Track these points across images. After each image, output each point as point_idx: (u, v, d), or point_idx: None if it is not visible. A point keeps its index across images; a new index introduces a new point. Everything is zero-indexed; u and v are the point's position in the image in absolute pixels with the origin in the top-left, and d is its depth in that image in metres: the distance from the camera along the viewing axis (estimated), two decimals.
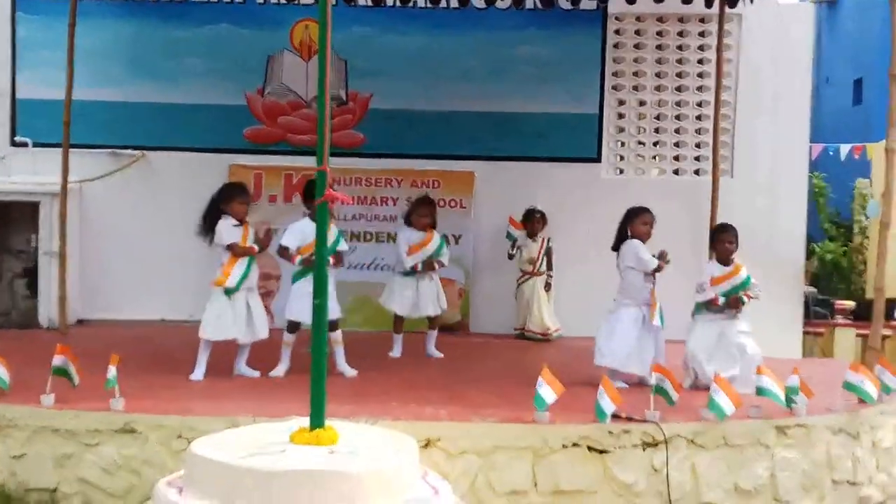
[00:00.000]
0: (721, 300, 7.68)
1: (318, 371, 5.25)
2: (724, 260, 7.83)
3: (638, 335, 7.75)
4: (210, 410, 6.41)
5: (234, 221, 7.63)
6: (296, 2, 10.36)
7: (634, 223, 7.88)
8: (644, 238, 7.84)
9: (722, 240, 7.91)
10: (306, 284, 7.58)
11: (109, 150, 10.70)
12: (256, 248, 7.67)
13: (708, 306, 7.74)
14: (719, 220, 9.31)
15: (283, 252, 7.82)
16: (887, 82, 7.66)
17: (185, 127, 10.71)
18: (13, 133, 10.70)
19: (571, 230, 10.48)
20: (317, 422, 5.19)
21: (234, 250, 7.57)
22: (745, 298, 7.69)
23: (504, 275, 10.51)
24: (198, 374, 7.56)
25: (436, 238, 9.02)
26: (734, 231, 7.98)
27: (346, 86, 10.83)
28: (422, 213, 9.02)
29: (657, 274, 7.77)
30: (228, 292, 7.57)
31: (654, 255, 7.77)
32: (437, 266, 8.98)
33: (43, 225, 10.12)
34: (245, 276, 7.61)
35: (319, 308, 5.34)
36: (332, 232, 7.70)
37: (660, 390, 6.57)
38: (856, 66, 22.60)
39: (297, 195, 10.27)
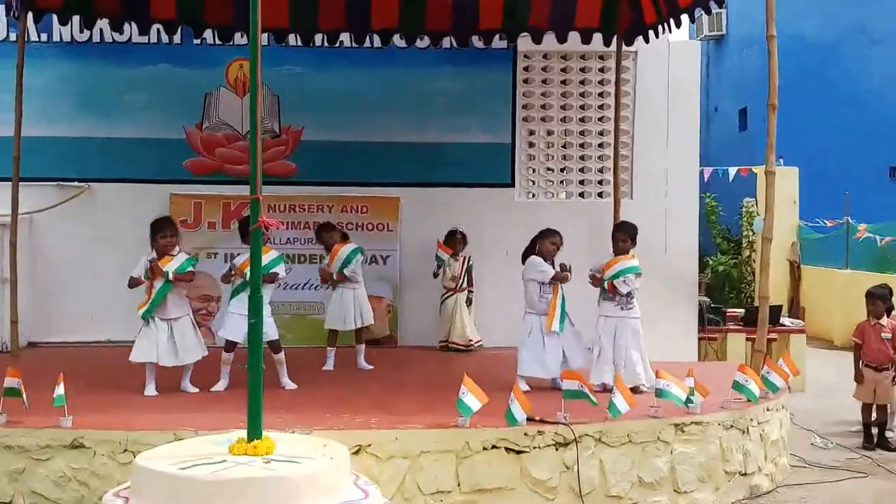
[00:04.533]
0: (590, 270, 7.86)
1: (255, 385, 5.21)
2: (622, 255, 7.95)
3: (539, 341, 7.80)
4: (154, 425, 6.32)
5: (153, 255, 7.53)
6: (230, 42, 10.29)
7: (544, 241, 7.95)
8: (548, 256, 7.90)
9: (615, 238, 8.06)
10: (238, 305, 7.57)
11: (56, 183, 10.51)
12: (143, 279, 7.48)
13: (604, 296, 7.86)
14: None
15: (229, 270, 7.83)
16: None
17: (128, 160, 10.56)
18: None
19: (489, 249, 10.54)
20: (254, 433, 5.15)
21: (129, 283, 7.53)
22: (606, 285, 7.79)
23: (429, 291, 10.52)
24: (149, 390, 7.51)
25: (342, 251, 9.03)
26: (626, 228, 8.12)
27: (279, 119, 10.78)
28: (325, 238, 9.18)
29: (562, 283, 7.83)
30: (145, 319, 7.50)
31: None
32: (340, 278, 8.96)
33: None
34: (152, 308, 7.48)
35: (255, 327, 5.31)
36: (270, 255, 7.66)
37: (575, 394, 6.61)
38: (741, 96, 23.11)
39: (234, 222, 10.23)
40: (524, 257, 8.04)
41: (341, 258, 8.97)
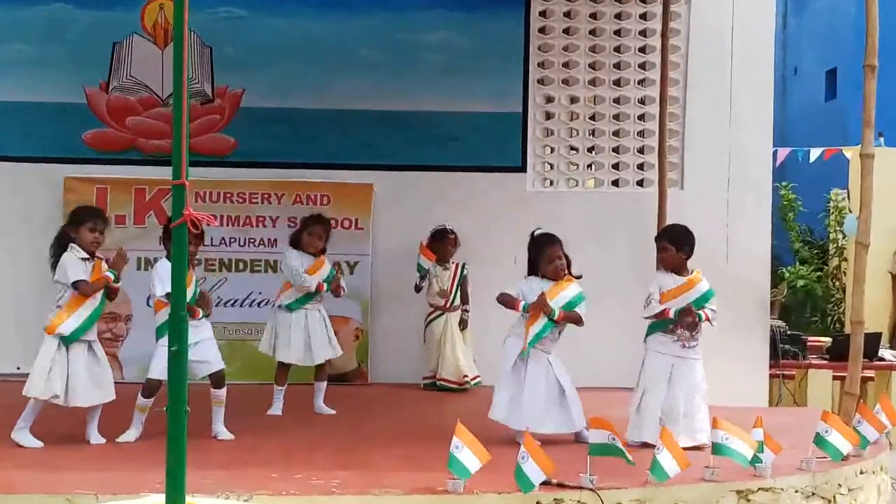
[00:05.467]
0: (672, 312, 7.72)
1: (177, 435, 5.19)
2: (675, 270, 7.91)
3: (526, 378, 7.75)
4: (40, 486, 6.28)
5: (83, 254, 7.50)
6: None
7: (540, 263, 7.88)
8: (556, 278, 7.84)
9: (657, 248, 8.00)
10: None
11: None
12: (111, 276, 7.49)
13: (660, 326, 7.83)
14: None
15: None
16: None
17: (9, 131, 10.59)
18: None
19: (491, 254, 10.53)
20: (175, 499, 5.13)
21: (81, 288, 7.42)
22: (703, 315, 7.76)
23: (410, 311, 10.56)
24: (23, 436, 7.43)
25: (328, 264, 9.07)
26: (673, 233, 8.08)
27: (211, 79, 10.80)
28: (315, 234, 9.07)
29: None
30: (65, 341, 7.45)
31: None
32: (343, 290, 9.07)
33: None
34: (88, 326, 7.49)
35: (176, 356, 5.29)
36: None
37: (604, 450, 6.61)
38: (829, 54, 23.11)
39: (150, 215, 10.21)
40: (531, 269, 8.02)
41: (321, 277, 8.99)
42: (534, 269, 7.97)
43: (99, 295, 7.53)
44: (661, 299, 7.78)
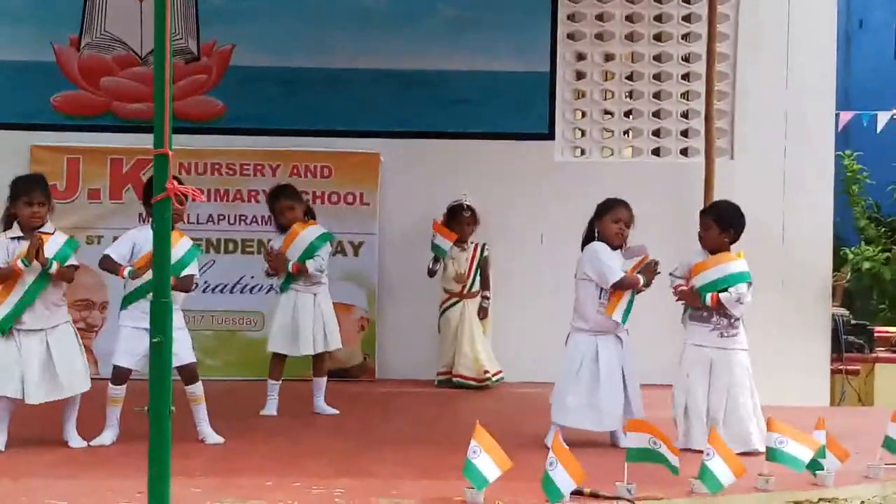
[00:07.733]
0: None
1: (160, 437, 5.20)
2: (713, 252, 7.89)
3: (591, 374, 7.79)
4: (3, 497, 6.28)
5: (15, 233, 7.48)
6: None
7: (604, 220, 7.89)
8: (614, 241, 7.87)
9: (700, 224, 8.02)
10: (132, 315, 7.65)
11: None
12: (22, 266, 7.32)
13: (692, 313, 7.85)
14: None
15: (107, 262, 7.73)
16: None
17: None
18: None
19: (515, 233, 10.52)
20: None
21: None
22: (709, 298, 7.70)
23: (422, 297, 10.58)
24: None
25: (306, 232, 8.98)
26: (720, 211, 8.09)
27: (197, 34, 10.79)
28: (280, 210, 9.06)
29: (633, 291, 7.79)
30: (3, 331, 7.45)
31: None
32: (295, 269, 8.89)
33: None
34: (16, 314, 7.44)
35: (160, 347, 5.28)
36: (182, 245, 7.62)
37: (644, 455, 6.61)
38: None
39: (129, 189, 10.21)
40: (585, 242, 8.00)
41: (303, 243, 8.92)
42: (591, 232, 7.96)
43: (29, 279, 7.40)
44: (689, 273, 7.84)
